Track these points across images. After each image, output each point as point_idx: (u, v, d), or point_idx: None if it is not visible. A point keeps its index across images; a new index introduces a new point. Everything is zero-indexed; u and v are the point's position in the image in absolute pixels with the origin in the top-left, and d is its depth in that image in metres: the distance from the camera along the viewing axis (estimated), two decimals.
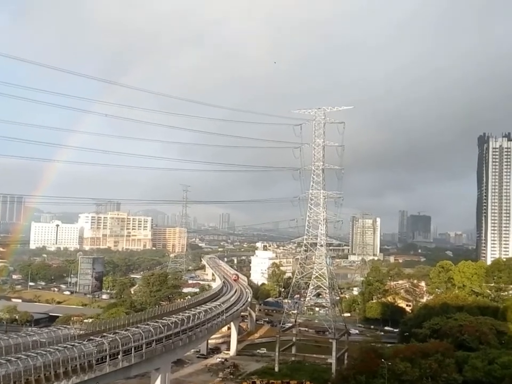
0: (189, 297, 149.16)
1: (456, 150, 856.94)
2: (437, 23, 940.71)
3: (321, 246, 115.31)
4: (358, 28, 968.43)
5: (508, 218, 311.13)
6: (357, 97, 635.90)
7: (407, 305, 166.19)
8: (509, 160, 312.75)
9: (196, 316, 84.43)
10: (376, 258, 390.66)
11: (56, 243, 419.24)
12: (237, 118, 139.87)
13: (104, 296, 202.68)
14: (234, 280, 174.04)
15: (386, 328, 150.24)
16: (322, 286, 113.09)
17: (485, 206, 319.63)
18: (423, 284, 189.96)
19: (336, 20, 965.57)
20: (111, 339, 61.67)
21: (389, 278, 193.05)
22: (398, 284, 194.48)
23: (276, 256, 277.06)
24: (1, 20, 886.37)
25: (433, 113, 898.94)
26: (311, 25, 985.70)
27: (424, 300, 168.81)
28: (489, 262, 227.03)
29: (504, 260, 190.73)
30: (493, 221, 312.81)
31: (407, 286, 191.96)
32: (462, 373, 79.98)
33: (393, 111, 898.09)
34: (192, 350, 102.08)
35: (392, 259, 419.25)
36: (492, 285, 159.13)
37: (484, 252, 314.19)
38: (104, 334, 64.89)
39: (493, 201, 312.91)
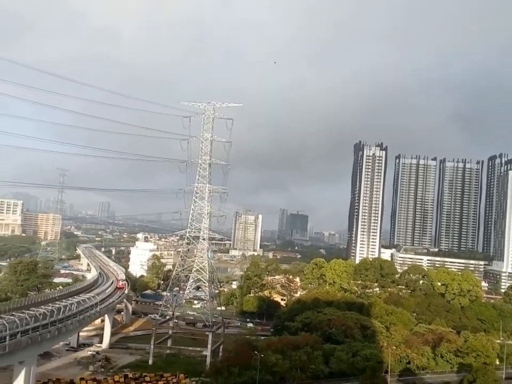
0: (61, 287, 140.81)
1: (334, 157, 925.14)
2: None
3: (204, 239, 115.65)
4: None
5: (376, 221, 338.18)
6: (251, 103, 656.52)
7: (282, 299, 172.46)
8: (380, 167, 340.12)
9: (67, 307, 79.74)
10: (256, 253, 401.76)
11: None
12: (118, 103, 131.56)
13: None
14: (120, 288, 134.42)
15: (254, 320, 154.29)
16: (203, 280, 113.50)
17: (356, 209, 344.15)
18: (297, 279, 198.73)
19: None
20: None
21: (267, 273, 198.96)
22: (274, 279, 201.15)
23: (157, 248, 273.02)
24: None
25: (317, 125, 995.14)
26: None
27: (298, 294, 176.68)
28: (357, 261, 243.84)
29: (371, 259, 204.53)
30: (362, 223, 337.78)
31: (283, 281, 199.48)
32: (329, 364, 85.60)
33: (283, 120, 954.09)
34: (61, 343, 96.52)
35: (271, 255, 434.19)
36: (359, 282, 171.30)
37: (354, 251, 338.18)
38: None
39: (364, 205, 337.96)
